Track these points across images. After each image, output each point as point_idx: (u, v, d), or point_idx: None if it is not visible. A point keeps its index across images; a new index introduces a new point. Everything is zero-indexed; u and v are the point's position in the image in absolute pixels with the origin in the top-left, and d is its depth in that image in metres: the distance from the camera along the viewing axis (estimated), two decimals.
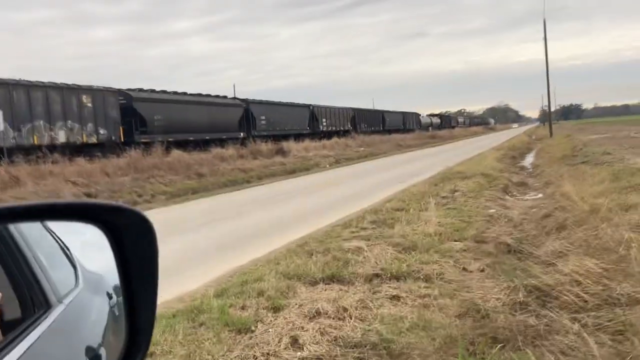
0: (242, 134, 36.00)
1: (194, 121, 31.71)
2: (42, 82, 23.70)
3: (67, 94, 24.50)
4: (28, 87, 22.99)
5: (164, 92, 31.57)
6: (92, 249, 1.18)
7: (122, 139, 26.73)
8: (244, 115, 36.83)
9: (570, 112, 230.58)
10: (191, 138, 30.98)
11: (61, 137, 23.74)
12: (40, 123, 22.87)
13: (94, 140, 25.45)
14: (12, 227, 1.05)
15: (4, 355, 0.89)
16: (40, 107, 23.14)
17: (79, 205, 1.11)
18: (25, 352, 0.94)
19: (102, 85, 26.88)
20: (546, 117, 66.27)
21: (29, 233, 1.09)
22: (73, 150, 22.47)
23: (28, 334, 0.98)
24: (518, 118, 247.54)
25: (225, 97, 36.97)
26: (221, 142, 31.41)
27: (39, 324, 1.02)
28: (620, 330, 3.89)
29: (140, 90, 29.95)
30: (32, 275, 1.07)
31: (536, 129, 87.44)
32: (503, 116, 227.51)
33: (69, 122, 24.28)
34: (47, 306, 1.08)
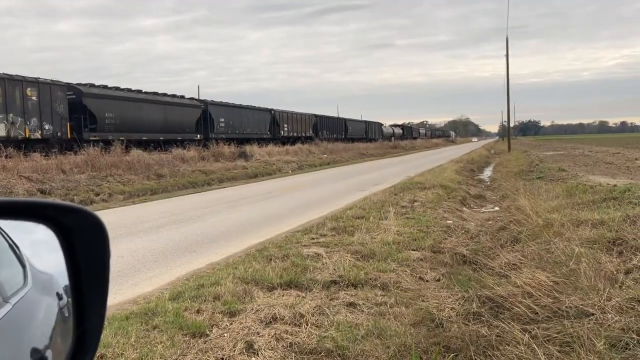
0: (199, 136, 35.19)
1: (149, 120, 30.78)
2: None
3: (10, 85, 22.98)
4: None
5: (117, 88, 30.27)
6: (43, 248, 1.15)
7: (70, 136, 25.57)
8: (201, 117, 35.94)
9: (529, 128, 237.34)
10: (145, 138, 29.94)
11: (1, 130, 22.34)
12: None
13: (37, 135, 24.04)
14: None
15: None
16: None
17: (28, 204, 1.08)
18: None
19: (50, 78, 25.54)
20: (505, 132, 67.89)
21: None
22: (14, 146, 20.87)
23: None
24: (478, 132, 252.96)
25: (182, 96, 35.99)
26: (179, 143, 30.70)
27: None
28: (567, 342, 4.00)
29: (92, 85, 28.73)
30: None
31: (495, 144, 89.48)
32: (464, 129, 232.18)
33: (11, 115, 22.84)
34: None
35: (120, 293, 6.01)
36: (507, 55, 49.45)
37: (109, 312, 4.86)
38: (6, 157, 18.34)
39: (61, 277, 1.11)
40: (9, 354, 1.01)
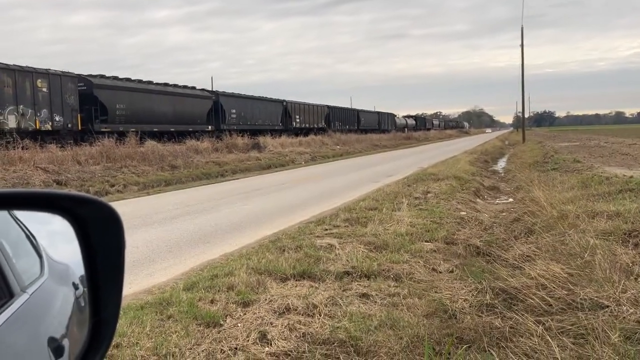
0: (210, 127, 34.88)
1: (160, 112, 30.59)
2: None
3: (20, 76, 22.83)
4: None
5: (127, 79, 30.07)
6: (59, 238, 1.16)
7: (80, 127, 25.50)
8: (212, 108, 35.70)
9: (544, 119, 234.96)
10: (156, 129, 29.68)
11: (11, 122, 22.19)
12: None
13: (48, 127, 23.89)
14: None
15: None
16: None
17: (44, 195, 1.09)
18: None
19: (60, 70, 25.37)
20: (520, 123, 67.28)
21: None
22: (24, 137, 20.67)
23: None
24: (492, 123, 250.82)
25: (193, 88, 35.67)
26: (192, 135, 30.52)
27: (0, 313, 1.01)
28: (582, 334, 3.98)
29: (102, 76, 28.53)
30: None
31: (509, 135, 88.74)
32: (477, 120, 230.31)
33: (21, 107, 22.71)
34: (9, 295, 1.06)
35: (136, 283, 6.08)
36: (522, 45, 48.97)
37: (124, 302, 4.92)
38: (22, 148, 18.52)
39: (77, 267, 1.12)
40: (26, 343, 1.03)
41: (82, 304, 1.10)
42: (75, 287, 1.13)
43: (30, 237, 1.17)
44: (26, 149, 18.64)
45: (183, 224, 10.09)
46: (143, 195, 15.89)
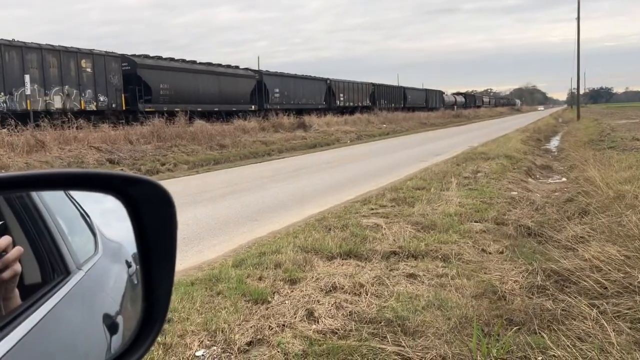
0: (253, 107, 34.80)
1: (203, 91, 30.56)
2: (38, 44, 22.33)
3: (65, 57, 23.06)
4: (22, 48, 21.52)
5: (171, 59, 30.28)
6: (112, 217, 1.18)
7: (124, 107, 25.71)
8: (256, 87, 35.56)
9: (600, 96, 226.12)
10: (199, 109, 29.66)
11: (57, 102, 22.48)
12: (34, 87, 21.61)
13: (92, 107, 24.20)
14: (34, 193, 1.06)
15: (24, 319, 0.91)
16: (35, 70, 21.75)
17: (96, 175, 1.11)
18: (44, 317, 0.95)
19: (104, 50, 25.65)
20: (574, 100, 64.95)
21: (49, 199, 1.10)
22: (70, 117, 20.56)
23: (47, 299, 0.99)
24: (545, 100, 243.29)
25: (237, 67, 35.66)
26: (240, 114, 30.53)
27: (58, 290, 1.03)
28: (639, 318, 3.84)
29: (146, 56, 28.66)
30: (52, 241, 1.08)
31: (563, 112, 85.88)
32: (530, 97, 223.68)
33: (66, 87, 22.98)
34: (66, 272, 1.09)
35: (186, 259, 6.22)
36: (578, 18, 47.02)
37: (175, 278, 5.05)
38: (77, 128, 19.14)
39: (130, 245, 1.14)
40: (83, 319, 1.06)
41: (135, 282, 1.12)
42: (128, 265, 1.16)
43: (85, 216, 1.20)
44: (80, 128, 19.26)
45: (231, 202, 10.25)
46: (193, 174, 16.20)
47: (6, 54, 20.95)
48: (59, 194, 1.12)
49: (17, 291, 0.90)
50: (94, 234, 1.21)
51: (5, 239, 0.88)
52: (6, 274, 0.87)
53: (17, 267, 0.89)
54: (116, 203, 1.09)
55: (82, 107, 23.78)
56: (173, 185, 12.77)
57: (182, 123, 23.28)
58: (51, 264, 1.07)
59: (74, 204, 1.16)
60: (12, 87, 21.03)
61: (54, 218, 1.10)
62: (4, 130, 17.06)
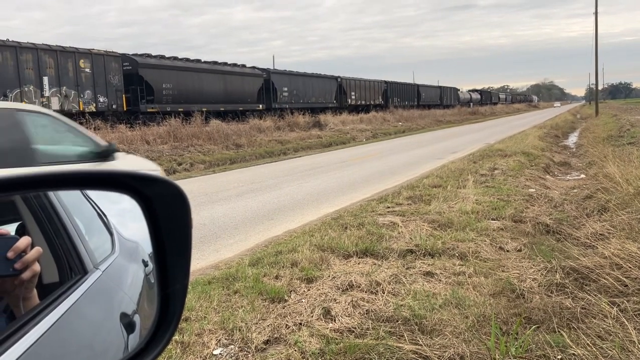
0: (261, 106, 33.99)
1: (208, 91, 29.83)
2: (34, 44, 21.72)
3: (62, 57, 22.40)
4: (16, 48, 20.90)
5: (175, 58, 29.45)
6: (128, 216, 1.19)
7: (125, 108, 25.02)
8: (263, 86, 34.77)
9: (619, 91, 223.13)
10: (204, 109, 28.38)
11: (54, 104, 21.70)
12: (30, 88, 21.07)
13: (92, 108, 23.38)
14: (51, 193, 1.07)
15: (42, 318, 0.91)
16: (31, 70, 21.20)
17: (112, 175, 1.11)
18: (62, 316, 0.96)
19: (104, 49, 24.86)
20: (593, 95, 64.13)
21: (67, 199, 1.11)
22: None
23: (65, 299, 1.00)
24: (563, 96, 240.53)
25: (243, 65, 34.61)
26: (251, 114, 29.85)
27: (75, 289, 1.04)
28: None
29: (148, 55, 27.88)
30: (69, 240, 1.09)
31: (581, 108, 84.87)
32: (547, 94, 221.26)
33: (64, 88, 22.27)
34: (83, 271, 1.10)
35: (203, 258, 6.25)
36: (595, 13, 46.41)
37: (192, 277, 5.08)
38: (94, 129, 19.33)
39: (146, 244, 1.15)
40: (100, 318, 1.07)
41: (152, 281, 1.13)
42: (145, 264, 1.16)
43: (102, 216, 1.21)
44: (98, 129, 19.44)
45: (247, 201, 10.28)
46: (209, 173, 16.28)
47: None
48: (76, 194, 1.13)
49: (35, 290, 0.91)
50: (111, 234, 1.22)
51: (25, 240, 0.89)
52: (26, 275, 0.88)
53: (37, 267, 0.89)
54: (132, 203, 1.10)
55: (81, 109, 23.07)
56: (189, 185, 12.86)
57: (199, 123, 23.39)
58: (69, 263, 1.08)
59: (90, 204, 1.16)
60: (7, 88, 20.53)
61: (71, 218, 1.11)
62: None
